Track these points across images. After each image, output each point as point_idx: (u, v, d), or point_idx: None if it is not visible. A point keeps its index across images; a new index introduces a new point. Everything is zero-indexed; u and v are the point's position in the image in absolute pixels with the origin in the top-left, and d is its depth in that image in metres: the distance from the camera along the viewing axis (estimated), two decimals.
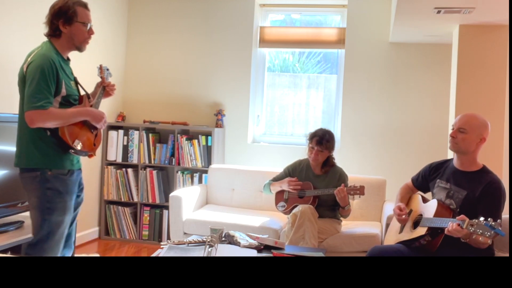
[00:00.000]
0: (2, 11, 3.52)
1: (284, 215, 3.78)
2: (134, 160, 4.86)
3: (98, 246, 4.65)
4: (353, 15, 4.81)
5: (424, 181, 2.94)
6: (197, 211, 4.15)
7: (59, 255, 2.51)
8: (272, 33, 5.12)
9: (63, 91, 2.46)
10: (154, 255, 2.82)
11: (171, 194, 4.06)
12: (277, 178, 3.87)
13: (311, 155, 3.69)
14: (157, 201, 4.81)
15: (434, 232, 2.59)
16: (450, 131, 2.74)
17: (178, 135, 4.78)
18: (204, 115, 5.06)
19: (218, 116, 4.95)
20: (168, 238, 4.57)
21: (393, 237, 2.91)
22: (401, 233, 2.83)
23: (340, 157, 4.37)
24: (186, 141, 4.76)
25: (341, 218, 3.75)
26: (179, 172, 4.80)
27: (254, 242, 2.91)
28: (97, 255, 4.24)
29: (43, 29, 2.56)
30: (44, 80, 2.35)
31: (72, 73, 2.62)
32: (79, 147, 2.47)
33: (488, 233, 2.26)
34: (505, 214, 2.74)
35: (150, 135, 4.86)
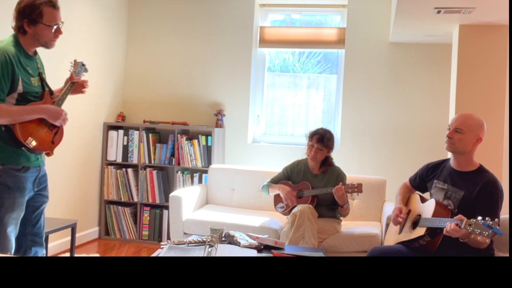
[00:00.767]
0: None
1: (284, 215, 3.79)
2: (134, 160, 4.86)
3: (98, 246, 4.65)
4: (353, 15, 4.81)
5: (421, 181, 2.94)
6: (197, 211, 4.15)
7: (13, 251, 2.42)
8: (272, 33, 5.13)
9: (19, 88, 2.37)
10: (154, 255, 2.82)
11: (171, 194, 4.06)
12: (276, 179, 3.87)
13: (310, 153, 3.68)
14: (157, 201, 4.81)
15: (433, 232, 2.59)
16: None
17: (178, 135, 4.78)
18: (204, 115, 5.06)
19: (218, 116, 4.95)
20: (168, 238, 4.57)
21: (392, 238, 2.91)
22: (400, 233, 2.83)
23: (340, 157, 4.37)
24: (186, 141, 4.76)
25: (341, 218, 3.75)
26: (179, 172, 4.80)
27: (254, 242, 2.91)
28: (97, 255, 4.24)
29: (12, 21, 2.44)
30: None
31: (37, 69, 2.52)
32: (32, 145, 2.39)
33: (486, 233, 2.26)
34: (505, 214, 2.74)
35: (150, 135, 4.86)
